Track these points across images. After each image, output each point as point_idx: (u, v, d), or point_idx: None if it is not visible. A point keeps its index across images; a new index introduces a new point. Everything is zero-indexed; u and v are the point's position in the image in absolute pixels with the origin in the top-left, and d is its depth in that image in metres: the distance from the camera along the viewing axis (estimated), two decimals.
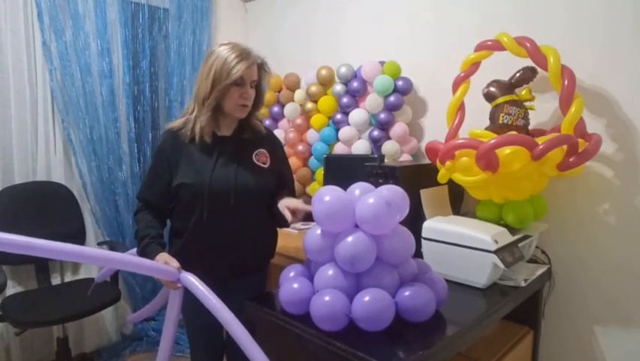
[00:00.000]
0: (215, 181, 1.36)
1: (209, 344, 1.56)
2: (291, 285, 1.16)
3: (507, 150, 1.39)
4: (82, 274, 2.38)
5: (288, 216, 1.34)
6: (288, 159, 1.66)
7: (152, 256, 1.29)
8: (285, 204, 1.38)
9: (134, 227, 1.97)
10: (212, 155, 1.40)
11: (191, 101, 1.43)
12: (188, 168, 1.39)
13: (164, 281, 1.28)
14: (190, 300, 1.22)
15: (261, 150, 1.48)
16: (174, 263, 1.26)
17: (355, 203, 1.10)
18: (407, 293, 1.07)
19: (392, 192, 1.09)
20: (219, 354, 1.60)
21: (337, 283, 1.08)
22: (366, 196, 1.08)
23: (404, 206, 1.11)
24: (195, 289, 1.21)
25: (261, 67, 1.43)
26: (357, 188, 1.17)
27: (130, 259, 1.23)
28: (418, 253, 1.39)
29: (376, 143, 2.20)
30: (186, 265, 1.29)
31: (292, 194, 1.59)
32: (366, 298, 1.03)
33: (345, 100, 2.27)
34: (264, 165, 1.46)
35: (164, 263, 1.26)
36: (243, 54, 1.35)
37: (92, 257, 1.17)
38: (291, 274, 1.24)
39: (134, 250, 1.46)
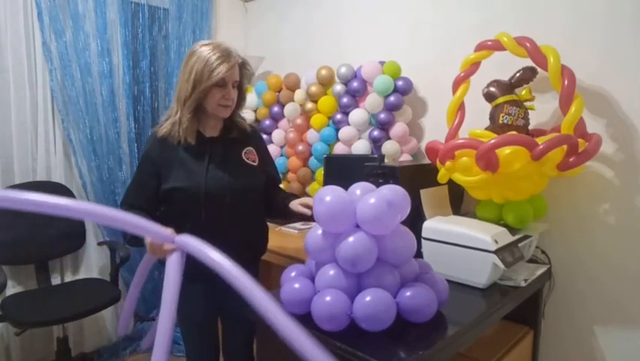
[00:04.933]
0: (211, 182, 1.37)
1: (204, 341, 1.55)
2: (292, 285, 1.16)
3: (507, 150, 1.39)
4: (82, 274, 2.38)
5: (307, 212, 1.41)
6: (270, 155, 1.70)
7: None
8: (299, 202, 1.46)
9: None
10: (203, 156, 1.41)
11: (173, 103, 1.42)
12: (180, 172, 1.38)
13: (154, 245, 1.19)
14: (183, 296, 1.20)
15: (249, 148, 1.51)
16: (168, 229, 1.18)
17: (356, 203, 1.10)
18: (408, 294, 1.07)
19: (393, 192, 1.09)
20: (215, 352, 1.59)
21: (338, 283, 1.08)
22: (366, 196, 1.08)
23: (405, 206, 1.10)
24: (193, 248, 1.10)
25: (242, 66, 1.44)
26: (358, 188, 1.17)
27: (121, 216, 1.07)
28: (418, 253, 1.39)
29: (376, 143, 2.20)
30: (185, 269, 1.25)
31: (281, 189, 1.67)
32: (368, 299, 1.03)
33: (345, 100, 2.27)
34: (253, 164, 1.50)
35: None
36: (224, 55, 1.34)
37: (78, 210, 1.01)
38: (293, 274, 1.24)
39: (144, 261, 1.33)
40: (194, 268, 1.21)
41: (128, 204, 1.41)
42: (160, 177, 1.40)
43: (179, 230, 1.40)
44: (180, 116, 1.37)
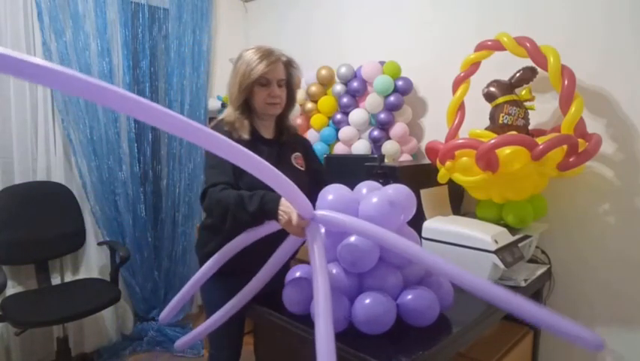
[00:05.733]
0: None
1: (230, 338, 1.50)
2: (295, 285, 1.16)
3: (507, 150, 1.39)
4: (82, 274, 2.38)
5: None
6: (317, 154, 1.67)
7: (276, 203, 1.11)
8: None
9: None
10: (263, 157, 1.36)
11: (228, 108, 1.45)
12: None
13: (300, 220, 1.03)
14: (214, 294, 1.19)
15: (297, 153, 1.52)
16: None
17: (359, 202, 1.09)
18: (410, 296, 1.07)
19: (397, 192, 1.08)
20: (238, 349, 1.56)
21: (340, 283, 1.08)
22: (369, 195, 1.08)
23: (409, 206, 1.10)
24: (334, 220, 1.02)
25: (289, 65, 1.44)
26: (365, 187, 1.17)
27: (264, 165, 0.91)
28: None
29: (376, 143, 2.20)
30: (234, 265, 1.23)
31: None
32: (367, 301, 1.02)
33: (345, 100, 2.27)
34: (302, 168, 1.50)
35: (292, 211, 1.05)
36: (265, 54, 1.37)
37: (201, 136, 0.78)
38: (297, 274, 1.25)
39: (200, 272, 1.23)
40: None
41: (223, 184, 1.26)
42: (234, 166, 1.27)
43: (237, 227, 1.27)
44: (234, 117, 1.41)
